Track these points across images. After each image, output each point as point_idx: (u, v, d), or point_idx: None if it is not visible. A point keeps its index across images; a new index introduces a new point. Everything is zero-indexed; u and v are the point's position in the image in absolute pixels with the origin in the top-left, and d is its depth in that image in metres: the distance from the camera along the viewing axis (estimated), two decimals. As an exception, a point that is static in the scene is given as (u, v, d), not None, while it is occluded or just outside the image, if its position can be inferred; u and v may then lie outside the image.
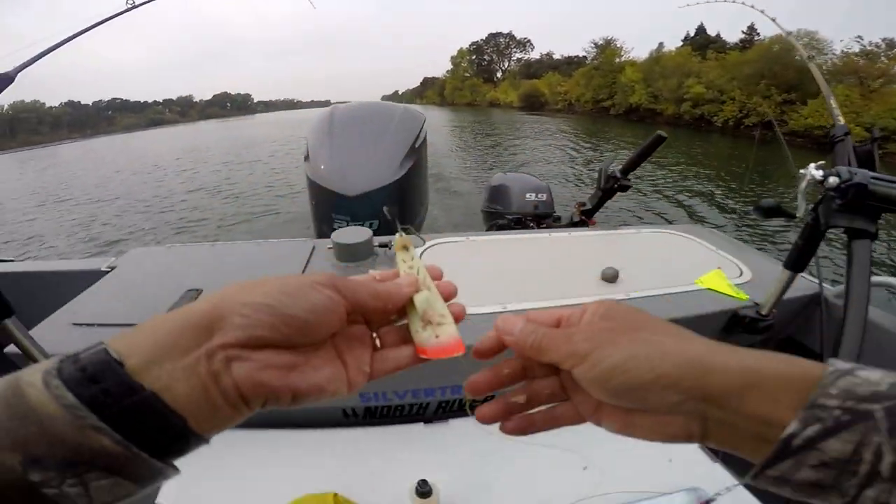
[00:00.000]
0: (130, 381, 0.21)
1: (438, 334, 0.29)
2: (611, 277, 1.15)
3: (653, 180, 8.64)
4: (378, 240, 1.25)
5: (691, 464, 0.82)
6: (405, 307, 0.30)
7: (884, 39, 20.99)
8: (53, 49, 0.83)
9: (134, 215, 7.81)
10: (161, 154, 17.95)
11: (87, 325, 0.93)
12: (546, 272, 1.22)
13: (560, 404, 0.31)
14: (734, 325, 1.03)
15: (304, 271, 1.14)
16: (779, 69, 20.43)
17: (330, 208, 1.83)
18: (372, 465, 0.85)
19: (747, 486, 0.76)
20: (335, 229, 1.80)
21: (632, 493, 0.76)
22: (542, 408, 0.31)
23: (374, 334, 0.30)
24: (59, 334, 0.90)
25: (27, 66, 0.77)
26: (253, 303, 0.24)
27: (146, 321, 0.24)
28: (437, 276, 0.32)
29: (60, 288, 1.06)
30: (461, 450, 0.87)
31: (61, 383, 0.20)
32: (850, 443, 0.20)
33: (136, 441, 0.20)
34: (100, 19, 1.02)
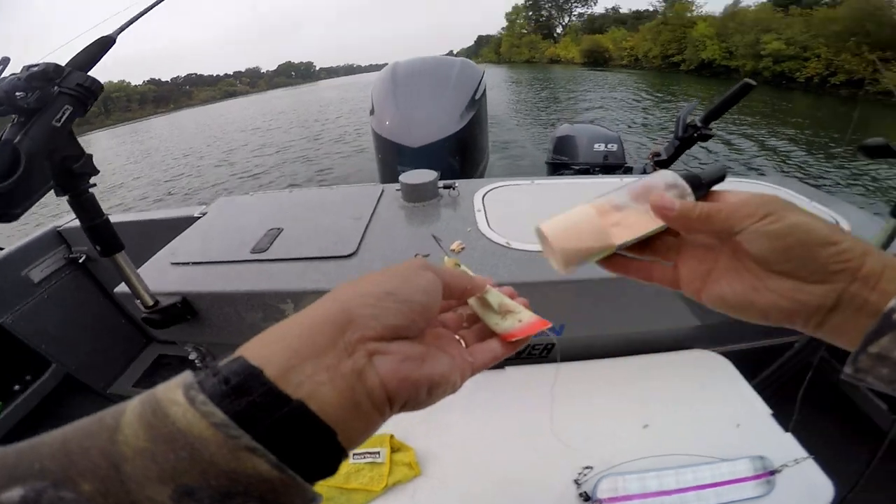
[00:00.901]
0: (277, 390, 0.19)
1: (521, 319, 0.31)
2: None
3: (730, 135, 7.80)
4: (443, 182, 1.27)
5: (760, 433, 0.78)
6: (475, 315, 0.33)
7: None
8: (147, 11, 0.86)
9: (224, 174, 8.91)
10: (240, 120, 19.39)
11: (184, 263, 1.01)
12: None
13: (658, 265, 0.34)
14: None
15: (373, 212, 1.18)
16: (872, 27, 17.83)
17: (395, 160, 1.88)
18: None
19: (816, 460, 0.71)
20: (400, 181, 1.90)
21: (693, 457, 0.73)
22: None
23: (456, 336, 0.31)
24: (161, 274, 0.99)
25: (126, 28, 0.81)
26: (373, 292, 0.24)
27: (272, 328, 0.22)
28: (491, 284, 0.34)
29: (163, 233, 1.17)
30: (517, 396, 0.86)
31: (207, 398, 0.18)
32: None
33: (290, 462, 0.18)
34: None
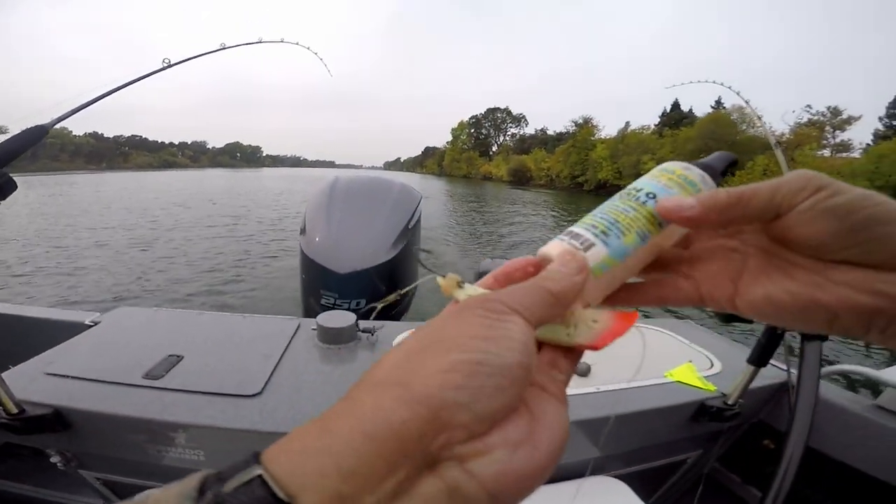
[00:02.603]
0: None
1: (596, 320, 0.24)
2: (582, 372, 1.16)
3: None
4: (363, 324, 1.26)
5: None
6: None
7: (828, 108, 23.64)
8: (88, 105, 0.87)
9: (130, 268, 6.82)
10: (170, 195, 17.95)
11: (61, 375, 0.93)
12: None
13: (670, 282, 0.27)
14: (701, 415, 1.07)
15: (286, 349, 1.15)
16: (713, 144, 23.20)
17: (319, 284, 1.82)
18: None
19: None
20: (322, 305, 1.84)
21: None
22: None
23: None
24: (31, 381, 0.90)
25: (62, 120, 0.82)
26: (459, 364, 0.16)
27: (309, 424, 0.16)
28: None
29: (42, 335, 1.05)
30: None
31: None
32: None
33: None
34: (135, 77, 1.01)
